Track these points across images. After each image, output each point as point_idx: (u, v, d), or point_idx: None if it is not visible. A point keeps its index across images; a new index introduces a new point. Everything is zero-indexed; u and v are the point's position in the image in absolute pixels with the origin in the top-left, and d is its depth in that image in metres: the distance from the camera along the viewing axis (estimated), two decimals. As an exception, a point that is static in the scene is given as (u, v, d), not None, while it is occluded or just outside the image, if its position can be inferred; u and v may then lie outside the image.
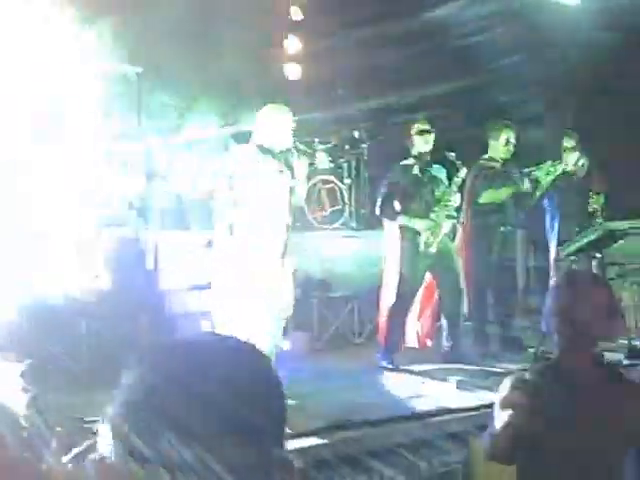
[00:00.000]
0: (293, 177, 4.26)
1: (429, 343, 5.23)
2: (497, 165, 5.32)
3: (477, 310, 5.39)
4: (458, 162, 4.98)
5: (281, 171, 4.22)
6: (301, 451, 3.11)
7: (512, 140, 5.29)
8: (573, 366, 2.09)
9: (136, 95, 3.61)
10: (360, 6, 6.91)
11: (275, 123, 4.23)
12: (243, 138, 4.84)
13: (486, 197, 5.19)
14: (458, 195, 5.03)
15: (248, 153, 4.24)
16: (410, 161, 5.08)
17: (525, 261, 6.14)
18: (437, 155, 5.10)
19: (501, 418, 2.15)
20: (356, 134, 7.21)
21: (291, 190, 4.28)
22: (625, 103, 6.49)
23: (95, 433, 0.75)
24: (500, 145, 5.30)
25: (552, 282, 2.21)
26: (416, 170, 5.02)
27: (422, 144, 5.00)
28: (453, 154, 4.97)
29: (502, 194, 5.19)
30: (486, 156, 5.39)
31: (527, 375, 2.14)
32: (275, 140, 4.22)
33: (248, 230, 4.19)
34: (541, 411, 2.05)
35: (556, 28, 6.64)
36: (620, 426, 2.06)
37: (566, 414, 2.06)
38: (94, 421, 3.13)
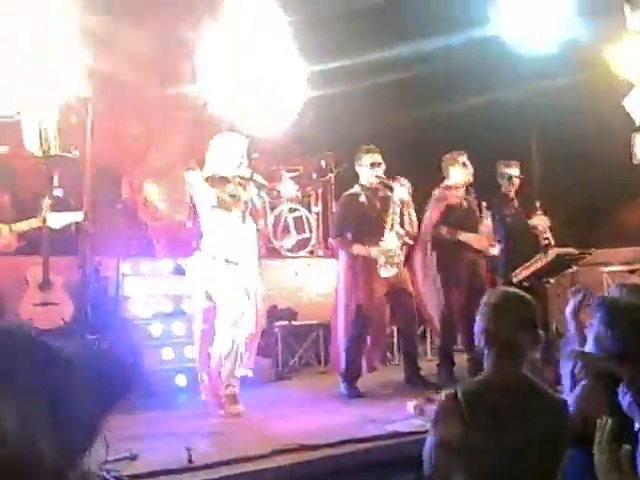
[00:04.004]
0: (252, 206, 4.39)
1: (378, 367, 5.28)
2: (458, 194, 5.41)
3: (444, 336, 5.42)
4: (389, 182, 5.05)
5: (233, 196, 4.32)
6: (252, 473, 3.12)
7: (466, 162, 5.39)
8: (500, 381, 2.14)
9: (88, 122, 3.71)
10: (331, 37, 7.08)
11: (228, 149, 4.37)
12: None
13: (449, 233, 5.28)
14: (410, 214, 5.09)
15: (199, 180, 4.36)
16: (356, 189, 5.16)
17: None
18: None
19: (435, 435, 2.19)
20: (323, 162, 7.30)
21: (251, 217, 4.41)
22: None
23: None
24: (454, 169, 5.41)
25: (481, 302, 2.27)
26: (363, 198, 5.10)
27: (372, 176, 5.07)
28: (384, 176, 5.06)
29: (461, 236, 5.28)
30: (445, 184, 5.49)
31: (459, 392, 2.18)
32: (228, 166, 4.35)
33: (212, 255, 4.32)
34: (471, 425, 2.08)
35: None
36: (547, 442, 2.10)
37: (496, 428, 2.10)
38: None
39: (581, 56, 6.45)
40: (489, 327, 2.16)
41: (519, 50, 6.63)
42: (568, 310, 2.84)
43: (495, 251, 5.24)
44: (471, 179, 5.42)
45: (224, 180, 4.34)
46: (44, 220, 4.01)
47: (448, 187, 5.45)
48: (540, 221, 5.54)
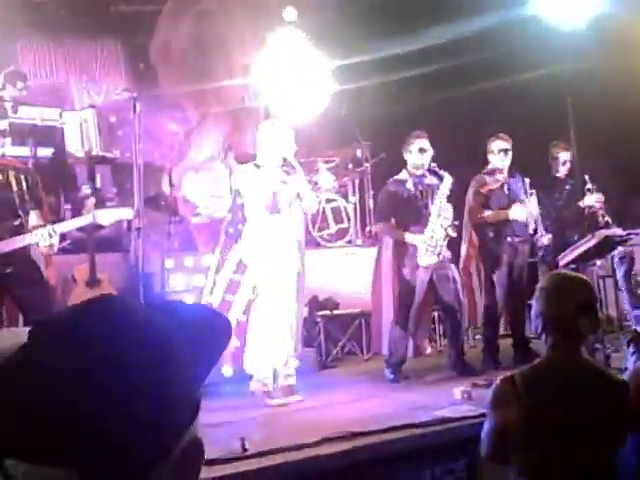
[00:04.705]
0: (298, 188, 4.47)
1: (426, 351, 5.29)
2: (499, 179, 5.37)
3: (488, 321, 5.42)
4: (441, 171, 5.04)
5: (284, 182, 4.40)
6: (305, 461, 3.17)
7: (508, 148, 5.35)
8: (559, 365, 2.15)
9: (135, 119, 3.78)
10: (362, 29, 7.07)
11: (273, 136, 4.44)
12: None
13: (492, 217, 5.28)
14: (449, 205, 5.07)
15: (249, 171, 4.45)
16: (404, 175, 5.16)
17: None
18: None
19: (493, 419, 2.21)
20: (359, 152, 7.31)
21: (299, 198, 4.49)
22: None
23: None
24: (495, 155, 5.38)
25: (538, 286, 2.27)
26: (410, 184, 5.09)
27: (420, 162, 5.07)
28: (435, 164, 5.05)
29: (506, 215, 5.26)
30: (486, 169, 5.46)
31: (517, 376, 2.20)
32: (275, 153, 4.42)
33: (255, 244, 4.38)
34: (530, 409, 2.10)
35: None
36: (607, 423, 2.10)
37: (555, 413, 2.11)
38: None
39: (620, 33, 6.33)
40: (547, 311, 2.17)
41: (556, 27, 6.54)
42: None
43: (544, 241, 5.23)
44: (506, 164, 5.36)
45: (270, 172, 4.40)
46: (93, 217, 4.10)
47: (487, 172, 5.44)
48: (592, 200, 5.49)
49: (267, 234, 4.37)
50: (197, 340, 0.67)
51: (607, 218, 5.45)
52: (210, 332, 0.70)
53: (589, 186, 5.49)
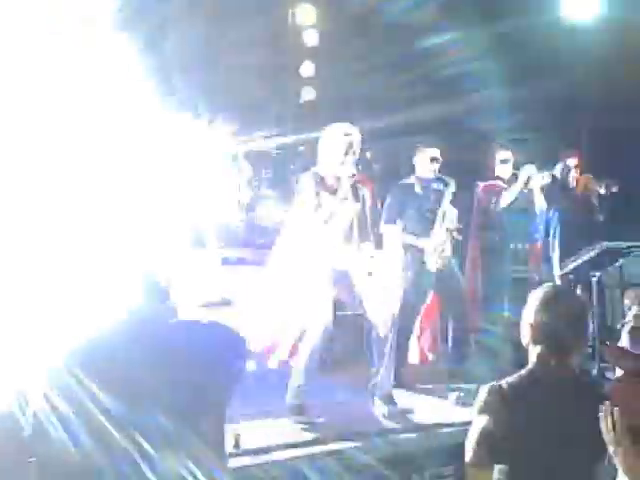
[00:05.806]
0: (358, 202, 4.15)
1: (430, 358, 5.29)
2: (501, 184, 5.42)
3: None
4: (446, 177, 5.10)
5: (345, 199, 4.05)
6: (296, 460, 3.20)
7: (508, 159, 5.42)
8: (546, 375, 2.17)
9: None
10: (370, 35, 7.11)
11: (328, 144, 4.04)
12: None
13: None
14: (455, 210, 5.12)
15: (309, 182, 4.03)
16: (411, 179, 5.21)
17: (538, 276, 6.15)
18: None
19: (478, 425, 2.23)
20: (368, 155, 7.32)
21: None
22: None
23: None
24: (497, 165, 5.42)
25: (529, 296, 2.28)
26: (418, 188, 5.14)
27: (430, 170, 5.12)
28: (440, 171, 5.10)
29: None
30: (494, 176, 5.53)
31: (503, 383, 2.22)
32: (330, 165, 4.03)
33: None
34: (515, 417, 2.12)
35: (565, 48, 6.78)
36: (592, 433, 2.11)
37: (540, 421, 2.13)
38: None
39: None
40: (535, 321, 2.18)
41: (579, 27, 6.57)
42: None
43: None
44: (507, 173, 5.40)
45: (334, 185, 4.04)
46: None
47: (495, 178, 5.50)
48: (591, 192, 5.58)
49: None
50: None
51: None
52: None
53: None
